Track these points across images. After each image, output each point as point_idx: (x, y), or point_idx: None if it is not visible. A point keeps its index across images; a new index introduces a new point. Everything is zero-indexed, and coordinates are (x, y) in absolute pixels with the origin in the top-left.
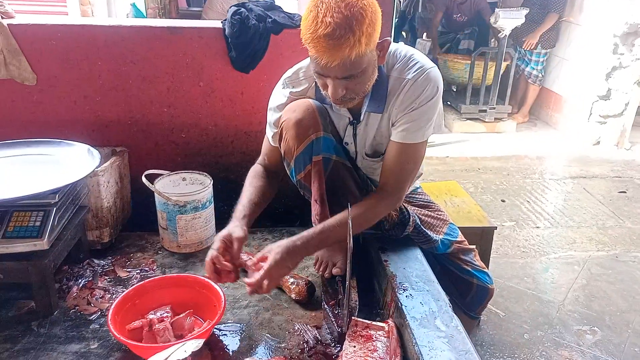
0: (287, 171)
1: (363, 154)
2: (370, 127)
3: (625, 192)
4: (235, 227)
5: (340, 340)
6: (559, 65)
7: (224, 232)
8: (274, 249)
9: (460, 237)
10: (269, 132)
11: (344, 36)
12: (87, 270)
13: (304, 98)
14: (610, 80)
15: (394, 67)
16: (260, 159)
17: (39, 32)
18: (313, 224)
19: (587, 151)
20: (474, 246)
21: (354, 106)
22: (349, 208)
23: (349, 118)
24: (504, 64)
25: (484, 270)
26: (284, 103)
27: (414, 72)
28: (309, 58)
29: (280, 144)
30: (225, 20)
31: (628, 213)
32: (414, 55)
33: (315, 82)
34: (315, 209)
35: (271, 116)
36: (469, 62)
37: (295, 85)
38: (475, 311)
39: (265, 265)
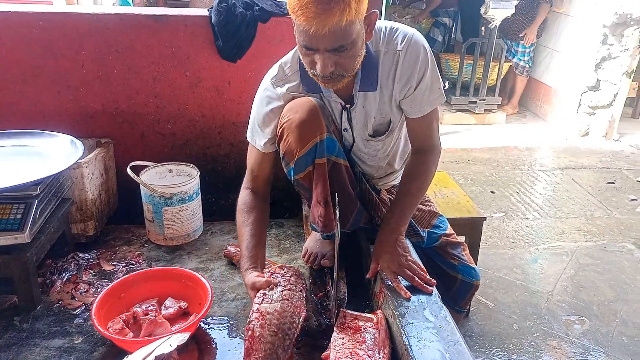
0: (285, 169)
1: (365, 137)
2: (369, 107)
3: (613, 182)
4: (254, 276)
5: (328, 332)
6: (549, 57)
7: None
8: (382, 255)
9: (449, 230)
10: (261, 139)
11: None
12: (72, 264)
13: (303, 96)
14: (599, 71)
15: (380, 42)
16: (247, 180)
17: (20, 21)
18: (314, 225)
19: (576, 142)
20: (462, 240)
21: (345, 91)
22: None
23: (341, 103)
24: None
25: (471, 265)
26: (280, 105)
27: (402, 42)
28: (290, 53)
29: (279, 145)
30: (211, 8)
31: (616, 203)
32: (394, 26)
33: (303, 76)
34: (318, 210)
35: (263, 121)
36: (471, 62)
37: (286, 82)
38: (460, 305)
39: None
